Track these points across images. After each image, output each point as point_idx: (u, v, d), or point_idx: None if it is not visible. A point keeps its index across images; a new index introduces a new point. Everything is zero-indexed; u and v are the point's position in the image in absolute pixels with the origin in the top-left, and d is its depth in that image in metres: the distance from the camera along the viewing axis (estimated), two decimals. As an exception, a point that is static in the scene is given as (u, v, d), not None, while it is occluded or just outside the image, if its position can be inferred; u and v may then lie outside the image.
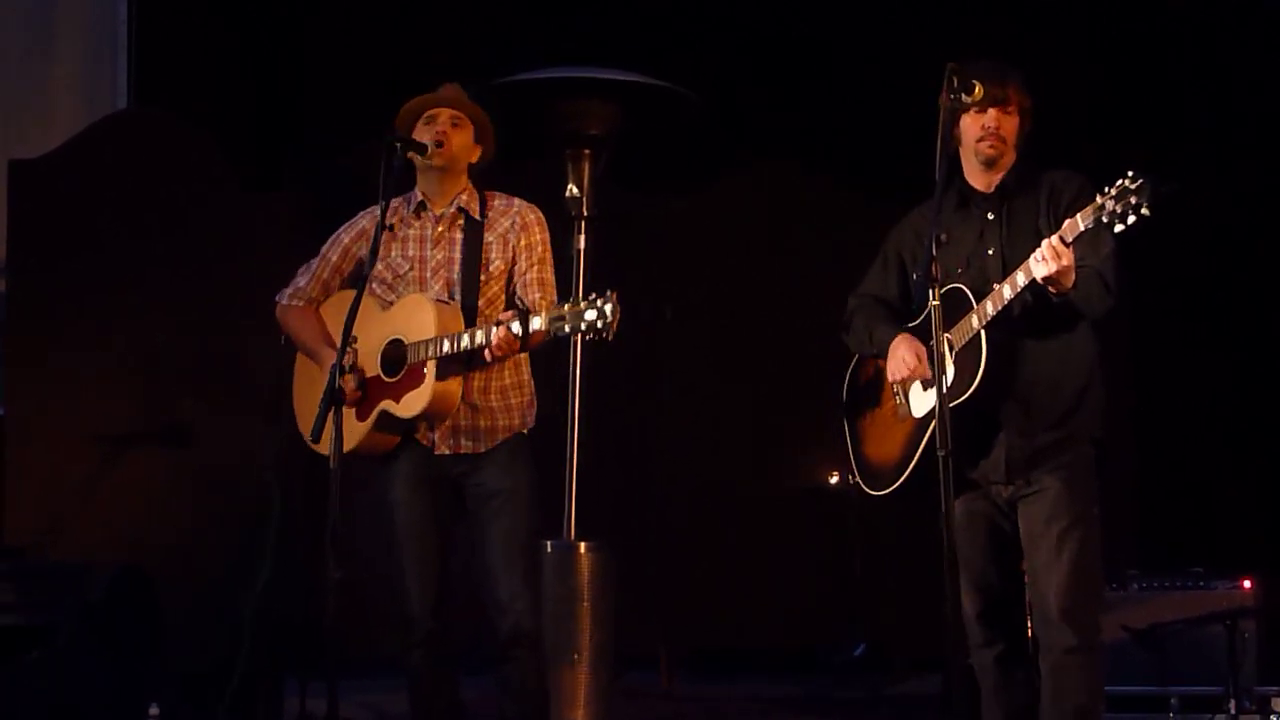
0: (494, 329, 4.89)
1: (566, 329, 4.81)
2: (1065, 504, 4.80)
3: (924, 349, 4.90)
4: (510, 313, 4.91)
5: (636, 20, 8.14)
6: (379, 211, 5.03)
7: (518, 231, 5.26)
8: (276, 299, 5.37)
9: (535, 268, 5.26)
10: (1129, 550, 7.30)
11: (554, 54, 6.68)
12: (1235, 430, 7.88)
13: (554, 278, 5.31)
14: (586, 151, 6.33)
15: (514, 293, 5.25)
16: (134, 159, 7.28)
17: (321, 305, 5.35)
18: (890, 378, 5.00)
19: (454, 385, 5.09)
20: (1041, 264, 4.56)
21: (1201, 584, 6.52)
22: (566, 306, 4.81)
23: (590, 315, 4.77)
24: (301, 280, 5.35)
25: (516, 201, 5.34)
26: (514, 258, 5.25)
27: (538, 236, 5.29)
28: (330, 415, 4.77)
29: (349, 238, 5.33)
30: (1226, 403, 7.94)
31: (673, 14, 8.24)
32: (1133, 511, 7.73)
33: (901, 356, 4.95)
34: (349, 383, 4.99)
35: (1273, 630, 6.41)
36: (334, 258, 5.34)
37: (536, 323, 4.84)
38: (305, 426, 5.25)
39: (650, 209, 7.94)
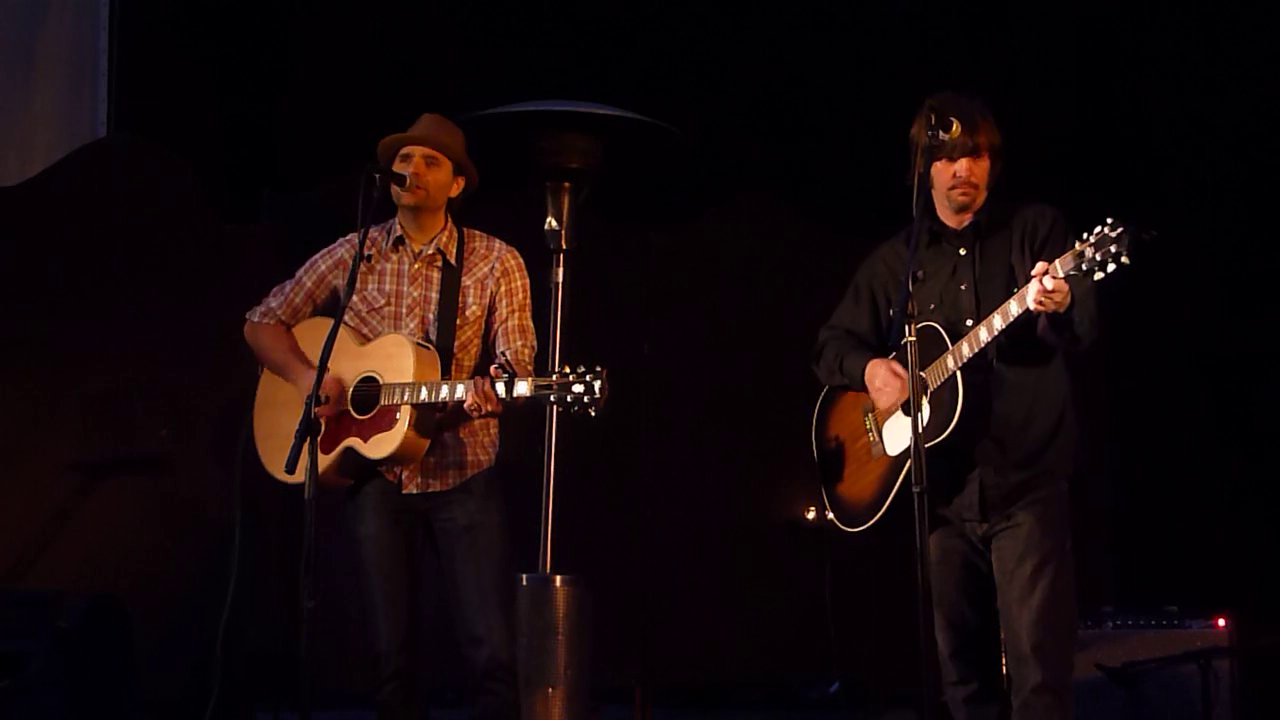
0: (476, 387, 4.89)
1: (552, 399, 4.82)
2: (1038, 540, 4.80)
3: (899, 365, 4.88)
4: (496, 371, 4.90)
5: (618, 57, 8.16)
6: (358, 241, 5.04)
7: (497, 278, 5.27)
8: (247, 316, 5.36)
9: (516, 314, 5.27)
10: (1104, 588, 7.32)
11: (535, 88, 6.69)
12: (1210, 470, 7.91)
13: (532, 323, 5.31)
14: (566, 184, 6.33)
15: (493, 338, 5.25)
16: (111, 188, 7.26)
17: (293, 329, 5.34)
18: (881, 406, 4.96)
19: (424, 438, 5.08)
20: (1047, 301, 4.53)
21: (1176, 623, 6.53)
22: (554, 376, 4.83)
23: (578, 389, 4.79)
24: (273, 301, 5.35)
25: (497, 244, 5.34)
26: (492, 304, 5.26)
27: (518, 283, 5.31)
28: (305, 446, 4.75)
29: (326, 265, 5.33)
30: (1202, 442, 7.96)
31: (655, 51, 8.27)
32: (1108, 550, 7.75)
33: (882, 382, 4.93)
34: (323, 412, 4.97)
35: (1247, 669, 6.42)
36: (309, 284, 5.33)
37: (522, 388, 4.85)
38: (266, 454, 5.23)
39: (630, 243, 7.95)
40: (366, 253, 5.15)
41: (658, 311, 7.96)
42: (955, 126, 4.71)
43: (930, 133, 4.67)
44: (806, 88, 8.37)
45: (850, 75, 8.26)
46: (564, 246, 6.34)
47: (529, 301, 5.33)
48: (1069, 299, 4.55)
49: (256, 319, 5.36)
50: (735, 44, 8.38)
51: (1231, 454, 7.86)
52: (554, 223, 6.33)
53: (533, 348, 5.27)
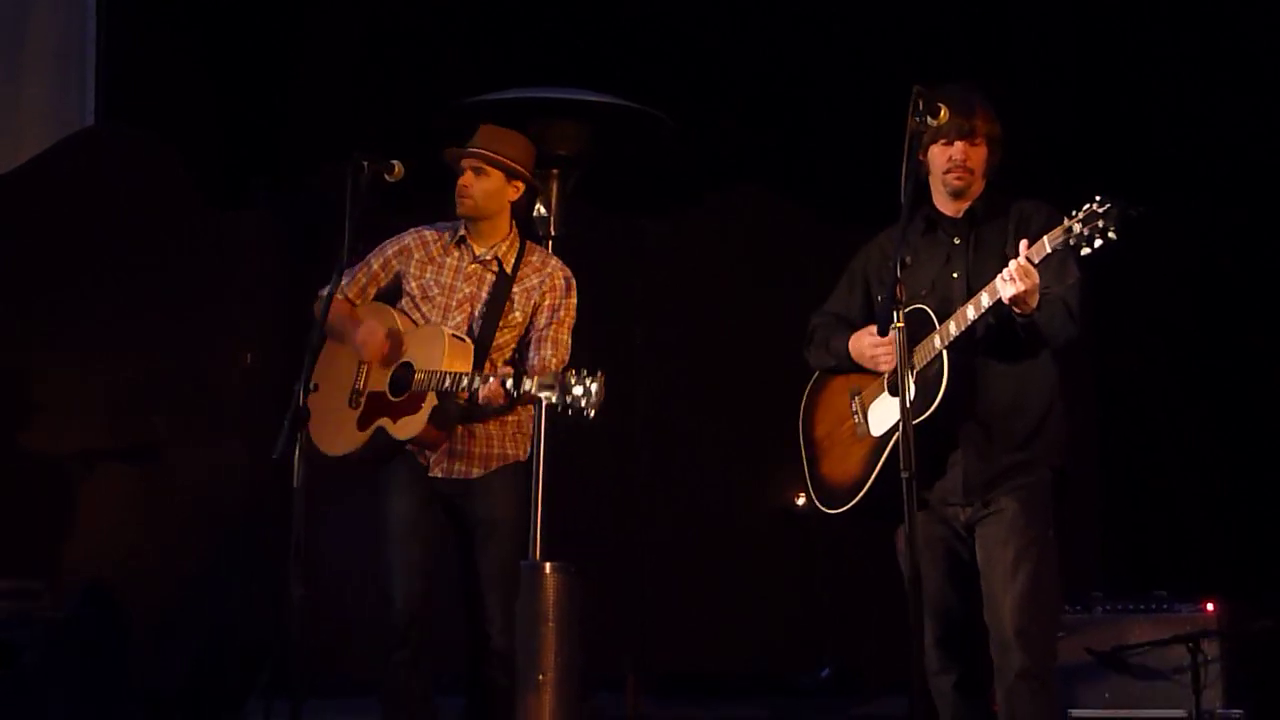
0: (488, 380, 5.08)
1: (553, 399, 4.99)
2: (1022, 527, 4.81)
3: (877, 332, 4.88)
4: (508, 369, 5.14)
5: (613, 45, 8.16)
6: (424, 231, 5.45)
7: (543, 291, 5.46)
8: (318, 293, 5.44)
9: (554, 326, 5.45)
10: (1093, 573, 7.33)
11: (529, 77, 6.70)
12: (1198, 454, 7.93)
13: (570, 341, 5.46)
14: (555, 171, 6.34)
15: (526, 344, 5.40)
16: (99, 176, 7.27)
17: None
18: (880, 368, 4.94)
19: (441, 430, 5.29)
20: (1009, 284, 4.59)
21: (1165, 606, 6.53)
22: (558, 375, 5.00)
23: (577, 390, 4.95)
24: (344, 280, 5.47)
25: (552, 261, 5.56)
26: (534, 312, 5.42)
27: (562, 299, 5.49)
28: (295, 433, 4.82)
29: (392, 250, 5.56)
30: (1190, 427, 7.98)
31: (650, 39, 8.26)
32: (1097, 534, 7.76)
33: (868, 343, 4.93)
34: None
35: (1236, 652, 6.43)
36: (375, 265, 5.56)
37: (527, 384, 5.05)
38: (318, 430, 5.25)
39: (624, 231, 7.96)
40: (431, 250, 5.46)
41: (651, 299, 7.98)
42: (943, 112, 4.70)
43: (918, 118, 4.67)
44: (804, 78, 8.36)
45: (849, 66, 8.25)
46: (553, 233, 6.36)
47: (570, 319, 5.50)
48: (1036, 297, 4.59)
49: (325, 293, 5.45)
50: (734, 33, 8.37)
51: (1219, 439, 7.88)
52: (542, 210, 6.34)
53: (561, 360, 5.41)
